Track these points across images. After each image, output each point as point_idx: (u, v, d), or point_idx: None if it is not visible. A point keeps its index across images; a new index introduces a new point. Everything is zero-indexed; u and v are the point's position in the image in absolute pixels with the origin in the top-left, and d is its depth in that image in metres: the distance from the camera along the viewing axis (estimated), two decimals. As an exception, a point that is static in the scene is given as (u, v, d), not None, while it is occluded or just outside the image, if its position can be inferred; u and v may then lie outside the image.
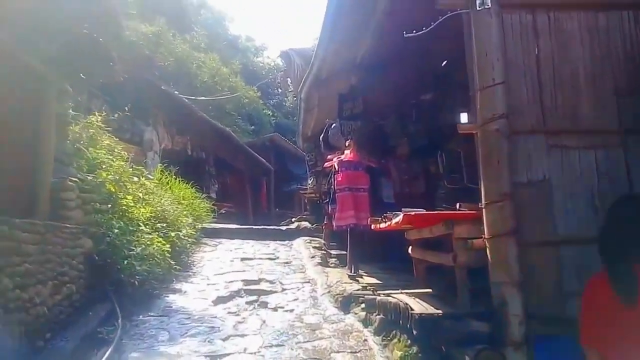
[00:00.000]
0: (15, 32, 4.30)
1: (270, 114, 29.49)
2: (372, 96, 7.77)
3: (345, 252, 7.53)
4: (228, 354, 4.13)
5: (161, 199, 7.93)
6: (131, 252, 5.52)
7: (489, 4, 3.49)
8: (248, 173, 21.50)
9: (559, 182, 3.53)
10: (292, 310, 5.47)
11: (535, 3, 3.70)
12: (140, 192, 7.12)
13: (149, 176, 8.62)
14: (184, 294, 6.07)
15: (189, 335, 4.58)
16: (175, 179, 10.26)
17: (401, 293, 4.53)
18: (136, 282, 5.37)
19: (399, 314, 4.04)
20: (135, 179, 7.23)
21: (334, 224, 7.46)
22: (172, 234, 7.19)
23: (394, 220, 4.52)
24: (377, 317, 4.66)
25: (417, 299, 4.12)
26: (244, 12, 72.30)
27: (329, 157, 7.97)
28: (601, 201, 3.52)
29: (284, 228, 12.62)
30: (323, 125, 9.28)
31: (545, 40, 3.64)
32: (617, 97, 3.66)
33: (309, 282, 6.85)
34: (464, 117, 6.90)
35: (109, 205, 5.90)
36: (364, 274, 6.74)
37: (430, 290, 4.70)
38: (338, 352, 4.20)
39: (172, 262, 6.52)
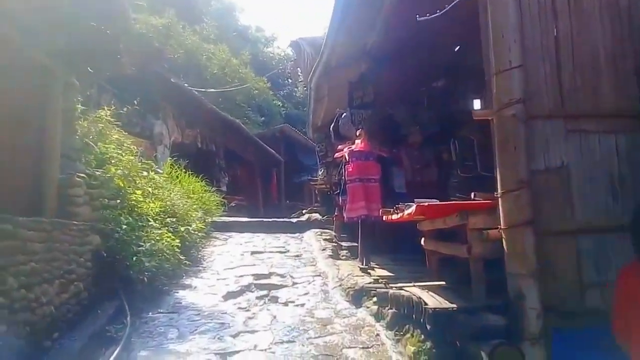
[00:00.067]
0: (19, 24, 4.21)
1: (280, 104, 29.41)
2: (383, 84, 7.60)
3: (356, 244, 7.43)
4: (238, 351, 4.05)
5: (171, 193, 7.88)
6: (140, 248, 5.46)
7: (506, -16, 3.33)
8: (258, 165, 21.46)
9: (578, 169, 3.41)
10: (303, 305, 5.38)
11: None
12: (149, 187, 7.07)
13: (159, 170, 8.57)
14: (193, 289, 6.01)
15: (199, 332, 4.51)
16: (185, 172, 10.22)
17: (414, 286, 4.41)
18: (145, 279, 5.29)
19: (412, 308, 3.93)
20: (145, 173, 7.18)
21: (344, 215, 7.36)
22: (182, 228, 7.14)
23: (407, 212, 4.40)
24: (390, 311, 4.55)
25: (430, 292, 3.99)
26: (253, 2, 71.95)
27: (339, 147, 7.86)
28: (622, 188, 3.40)
29: (294, 220, 12.55)
30: (333, 115, 9.15)
31: (564, 20, 3.49)
32: (638, 78, 3.50)
33: (319, 275, 6.76)
34: (476, 104, 6.79)
35: (118, 201, 5.85)
36: (376, 266, 6.63)
37: (443, 282, 4.57)
38: (350, 347, 4.10)
39: (182, 257, 6.45)
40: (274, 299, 5.62)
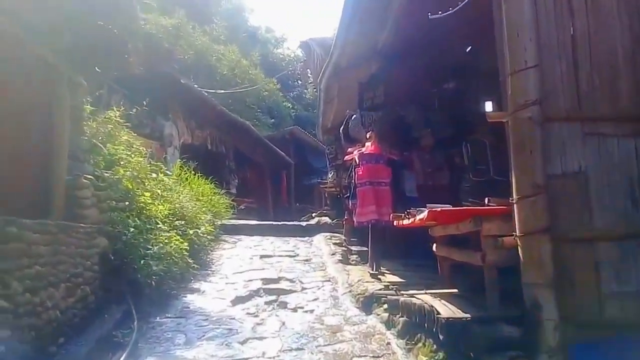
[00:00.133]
0: (23, 21, 4.16)
1: (290, 106, 29.37)
2: (393, 85, 7.50)
3: (366, 249, 7.31)
4: (246, 359, 3.97)
5: (180, 196, 7.83)
6: (148, 251, 5.41)
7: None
8: (268, 167, 21.42)
9: (596, 173, 3.29)
10: (312, 311, 5.29)
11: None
12: (158, 189, 7.03)
13: (168, 172, 8.53)
14: (202, 293, 5.95)
15: (207, 338, 4.44)
16: (195, 174, 10.18)
17: (425, 293, 4.30)
18: (153, 283, 5.24)
19: (424, 317, 3.83)
20: (154, 175, 7.15)
21: (354, 219, 7.25)
22: (191, 231, 7.09)
23: (418, 217, 4.29)
24: (401, 319, 4.44)
25: (443, 301, 3.88)
26: (263, 3, 72.04)
27: (349, 149, 7.75)
28: (642, 193, 3.27)
29: (304, 224, 12.45)
30: (343, 116, 9.05)
31: (581, 18, 3.37)
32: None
33: (329, 280, 6.66)
34: (488, 106, 6.67)
35: (126, 203, 5.79)
36: (386, 271, 6.51)
37: (455, 290, 4.46)
38: (360, 356, 4.00)
39: (190, 261, 6.39)
40: (283, 305, 5.54)
